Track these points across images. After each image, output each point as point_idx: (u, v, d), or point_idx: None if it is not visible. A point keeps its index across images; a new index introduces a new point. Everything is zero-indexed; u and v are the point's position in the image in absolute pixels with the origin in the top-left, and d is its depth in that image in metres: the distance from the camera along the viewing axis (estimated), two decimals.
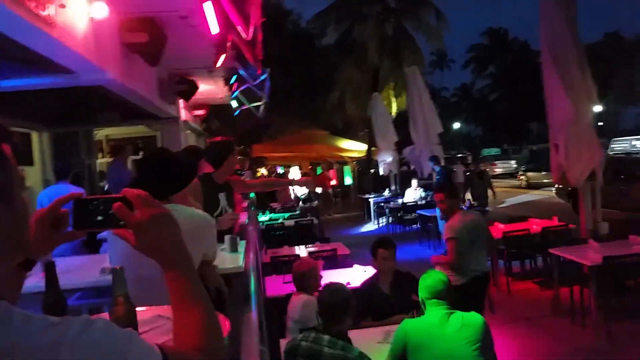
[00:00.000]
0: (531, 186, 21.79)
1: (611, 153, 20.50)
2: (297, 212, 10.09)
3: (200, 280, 0.96)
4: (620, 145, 23.01)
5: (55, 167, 6.50)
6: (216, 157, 3.73)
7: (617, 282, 5.13)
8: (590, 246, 5.64)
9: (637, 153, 19.08)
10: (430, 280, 2.99)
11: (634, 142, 22.36)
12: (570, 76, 6.26)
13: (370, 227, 13.75)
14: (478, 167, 12.40)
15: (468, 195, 11.46)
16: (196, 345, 0.88)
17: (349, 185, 20.22)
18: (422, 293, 3.00)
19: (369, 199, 14.44)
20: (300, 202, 11.15)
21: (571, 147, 6.21)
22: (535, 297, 6.57)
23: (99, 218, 0.89)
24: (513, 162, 31.78)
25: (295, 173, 11.34)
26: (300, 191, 11.12)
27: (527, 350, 4.98)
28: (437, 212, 8.58)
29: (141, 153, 9.16)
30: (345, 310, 2.93)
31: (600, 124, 30.72)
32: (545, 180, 19.77)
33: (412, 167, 13.61)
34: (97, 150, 9.19)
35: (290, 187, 10.82)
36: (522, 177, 23.15)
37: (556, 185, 13.83)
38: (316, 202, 11.31)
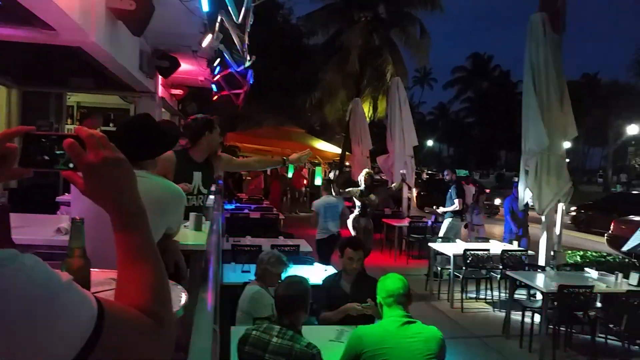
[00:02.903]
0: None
1: None
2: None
3: (153, 239, 0.86)
4: None
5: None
6: (194, 133, 3.59)
7: (567, 311, 5.23)
8: (547, 273, 5.75)
9: None
10: (389, 281, 2.92)
11: None
12: (549, 107, 6.40)
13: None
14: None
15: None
16: (140, 305, 0.77)
17: (319, 186, 20.19)
18: (380, 295, 2.93)
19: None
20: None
21: (541, 175, 6.34)
22: (488, 318, 6.65)
23: (48, 157, 0.80)
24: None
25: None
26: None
27: None
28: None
29: (112, 125, 8.93)
30: (300, 304, 2.89)
31: (567, 160, 31.35)
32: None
33: (383, 176, 13.65)
34: (67, 115, 8.91)
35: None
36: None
37: (607, 233, 12.69)
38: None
